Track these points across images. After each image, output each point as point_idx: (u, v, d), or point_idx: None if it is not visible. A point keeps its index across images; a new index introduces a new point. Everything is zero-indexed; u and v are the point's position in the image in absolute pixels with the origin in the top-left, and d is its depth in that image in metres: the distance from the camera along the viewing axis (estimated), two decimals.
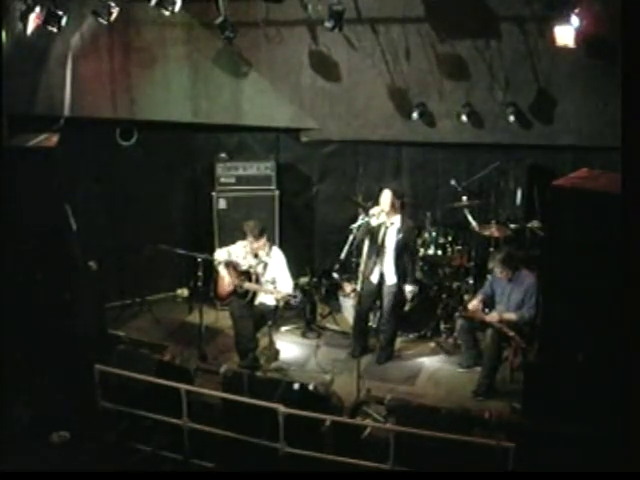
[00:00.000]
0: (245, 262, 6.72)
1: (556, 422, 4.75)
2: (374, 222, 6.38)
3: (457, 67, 7.15)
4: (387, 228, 6.46)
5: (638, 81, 3.84)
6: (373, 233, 6.41)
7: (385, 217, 6.44)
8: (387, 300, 6.74)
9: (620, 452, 3.68)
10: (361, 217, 7.05)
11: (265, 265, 6.70)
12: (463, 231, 7.70)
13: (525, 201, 7.57)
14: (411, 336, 7.30)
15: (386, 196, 6.46)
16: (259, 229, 6.65)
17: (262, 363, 6.70)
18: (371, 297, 6.78)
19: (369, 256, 6.35)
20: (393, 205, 6.45)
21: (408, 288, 6.66)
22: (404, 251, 6.60)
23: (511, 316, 6.21)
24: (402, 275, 6.64)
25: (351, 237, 7.19)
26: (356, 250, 7.08)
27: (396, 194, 6.47)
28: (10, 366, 5.56)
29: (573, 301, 4.89)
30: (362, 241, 6.37)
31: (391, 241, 6.55)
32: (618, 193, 4.04)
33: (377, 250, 6.46)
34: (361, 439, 5.23)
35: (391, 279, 6.67)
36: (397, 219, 6.56)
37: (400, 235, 6.55)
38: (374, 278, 6.67)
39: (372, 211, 6.43)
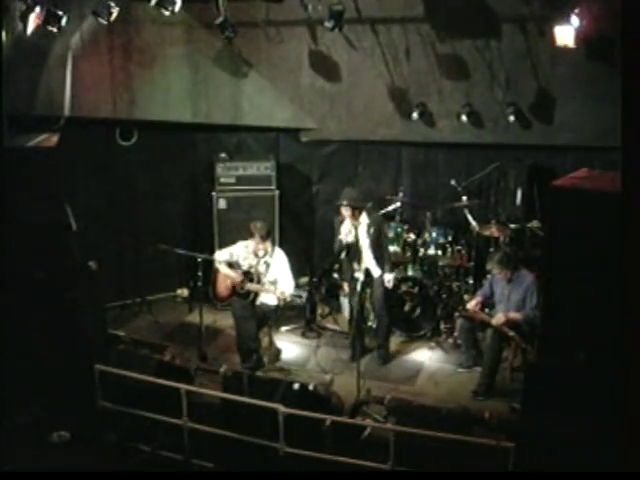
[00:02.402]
0: (246, 262, 6.72)
1: (556, 422, 4.74)
2: (350, 239, 6.44)
3: (457, 67, 7.15)
4: (357, 228, 6.48)
5: (638, 81, 3.83)
6: (350, 245, 6.48)
7: (353, 222, 6.50)
8: (377, 294, 6.78)
9: (620, 452, 3.67)
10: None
11: (268, 266, 6.71)
12: (463, 231, 7.70)
13: (525, 201, 7.56)
14: (411, 336, 7.30)
15: (346, 210, 6.49)
16: (267, 230, 6.66)
17: (266, 363, 6.71)
18: (364, 293, 6.79)
19: (350, 259, 6.50)
20: (354, 213, 6.50)
21: (387, 277, 6.68)
22: (379, 243, 6.66)
23: (516, 316, 6.19)
24: (381, 265, 6.69)
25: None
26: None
27: (352, 204, 6.49)
28: (10, 366, 5.56)
29: (573, 301, 4.88)
30: (345, 252, 6.49)
31: (364, 239, 6.59)
32: (618, 193, 4.04)
33: (355, 251, 6.49)
34: (361, 439, 5.23)
35: (376, 272, 6.71)
36: (363, 217, 6.61)
37: (371, 229, 6.61)
38: (361, 276, 6.66)
39: (342, 229, 6.50)
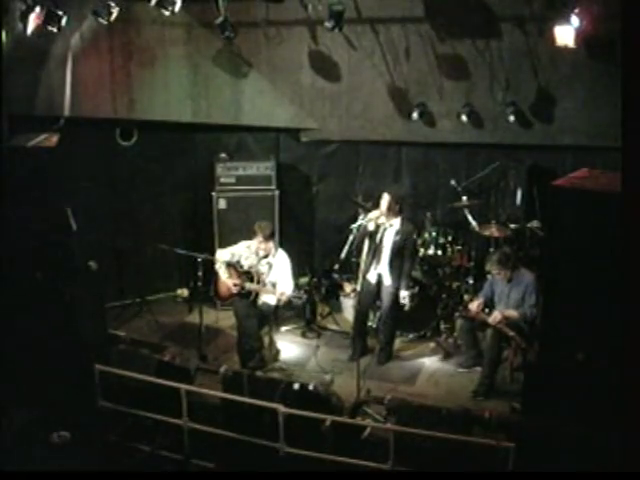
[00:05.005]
0: (247, 262, 6.72)
1: (556, 422, 4.74)
2: (371, 227, 6.34)
3: (457, 67, 7.15)
4: (385, 229, 6.47)
5: (638, 81, 3.83)
6: (372, 235, 6.41)
7: (384, 219, 6.44)
8: (386, 301, 6.75)
9: (620, 452, 3.67)
10: (361, 217, 7.06)
11: (270, 266, 6.71)
12: (463, 231, 7.70)
13: (525, 201, 7.57)
14: (411, 336, 7.30)
15: (384, 200, 6.46)
16: (270, 230, 6.67)
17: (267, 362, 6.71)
18: (370, 297, 6.78)
19: (367, 256, 6.33)
20: (390, 208, 6.45)
21: (403, 294, 6.64)
22: (400, 253, 6.59)
23: (513, 313, 6.19)
24: (398, 278, 6.64)
25: (351, 237, 7.20)
26: (356, 250, 7.08)
27: (394, 198, 6.47)
28: (10, 366, 5.56)
29: (573, 301, 4.88)
30: (361, 242, 6.38)
31: (388, 242, 6.56)
32: (618, 193, 4.04)
33: (374, 250, 6.46)
34: (361, 439, 5.24)
35: (388, 280, 6.67)
36: (397, 221, 6.56)
37: (398, 237, 6.55)
38: (372, 278, 6.67)
39: (370, 215, 6.43)
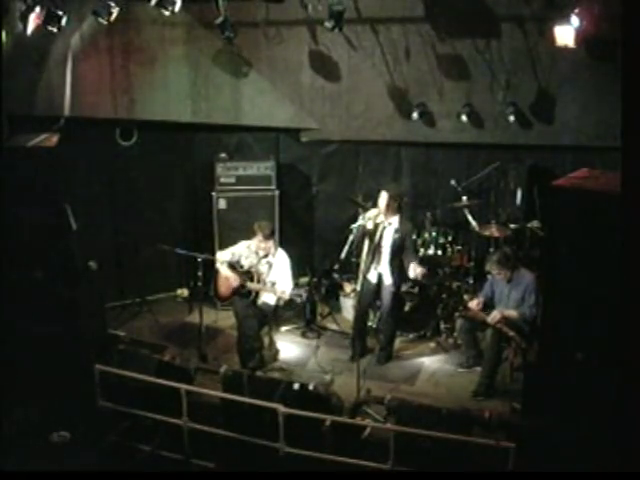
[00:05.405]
0: (247, 262, 6.72)
1: (556, 422, 4.74)
2: (370, 225, 6.30)
3: (457, 67, 7.15)
4: (384, 228, 6.46)
5: (638, 81, 3.83)
6: (371, 234, 6.39)
7: (383, 217, 6.43)
8: (386, 300, 6.75)
9: (620, 452, 3.67)
10: (361, 217, 7.05)
11: (270, 266, 6.71)
12: (463, 231, 7.71)
13: (525, 201, 7.57)
14: (411, 336, 7.30)
15: (383, 198, 6.45)
16: (270, 230, 6.67)
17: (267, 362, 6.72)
18: (370, 296, 6.77)
19: (367, 255, 6.31)
20: (389, 207, 6.43)
21: (413, 265, 6.39)
22: (400, 252, 6.58)
23: (512, 313, 6.20)
24: (398, 277, 6.63)
25: (351, 237, 7.19)
26: (356, 250, 7.09)
27: (393, 196, 6.46)
28: (10, 366, 5.56)
29: (573, 301, 4.88)
30: (361, 242, 6.37)
31: (388, 241, 6.55)
32: (618, 193, 4.04)
33: (374, 250, 6.45)
34: (361, 439, 5.24)
35: (388, 279, 6.67)
36: (395, 220, 6.56)
37: (397, 235, 6.54)
38: (372, 278, 6.67)
39: (368, 214, 6.40)
